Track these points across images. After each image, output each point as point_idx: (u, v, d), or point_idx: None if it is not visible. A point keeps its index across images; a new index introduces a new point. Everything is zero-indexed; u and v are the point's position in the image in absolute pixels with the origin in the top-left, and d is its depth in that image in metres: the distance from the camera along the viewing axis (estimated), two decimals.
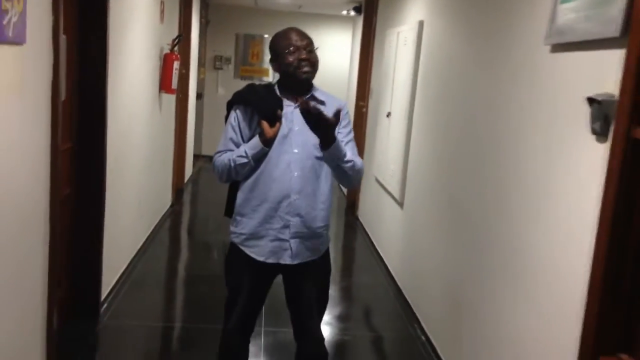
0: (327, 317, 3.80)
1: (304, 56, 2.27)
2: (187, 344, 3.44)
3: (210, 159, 9.71)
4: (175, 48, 5.40)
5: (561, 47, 2.19)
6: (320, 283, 2.46)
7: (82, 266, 3.46)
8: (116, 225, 3.84)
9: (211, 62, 9.65)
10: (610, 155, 1.79)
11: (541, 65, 2.34)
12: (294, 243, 2.33)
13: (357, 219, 6.44)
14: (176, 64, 5.24)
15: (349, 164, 2.29)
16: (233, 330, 2.44)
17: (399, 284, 4.38)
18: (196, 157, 8.68)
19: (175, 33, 5.78)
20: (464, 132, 3.25)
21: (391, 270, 4.65)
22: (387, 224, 5.00)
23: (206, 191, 7.74)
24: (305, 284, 2.41)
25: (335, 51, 9.41)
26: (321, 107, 2.19)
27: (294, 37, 2.31)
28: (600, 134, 1.88)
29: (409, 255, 4.22)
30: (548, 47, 2.28)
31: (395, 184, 4.60)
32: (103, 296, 3.63)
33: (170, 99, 5.82)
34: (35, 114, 2.46)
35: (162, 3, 5.04)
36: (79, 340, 3.22)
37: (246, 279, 2.39)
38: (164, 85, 5.14)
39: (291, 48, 2.28)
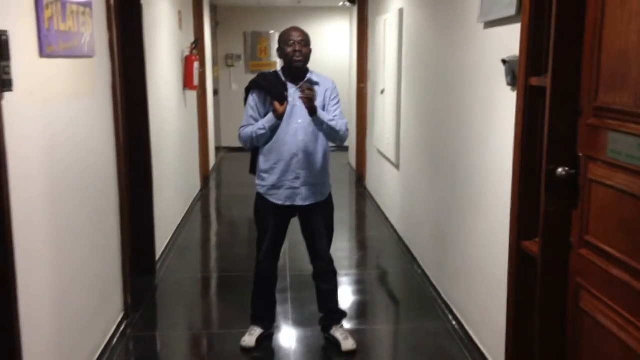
0: (346, 263, 4.68)
1: (297, 49, 3.04)
2: (222, 288, 4.40)
3: (229, 150, 10.49)
4: (194, 50, 6.20)
5: (488, 24, 2.95)
6: (326, 218, 3.26)
7: (140, 234, 4.27)
8: (161, 202, 4.67)
9: (223, 61, 10.45)
10: (517, 98, 2.55)
11: (479, 38, 3.11)
12: (303, 189, 3.14)
13: (365, 188, 7.23)
14: (196, 64, 6.05)
15: (332, 122, 3.07)
16: (264, 259, 3.26)
17: (400, 233, 5.17)
18: (217, 148, 9.50)
19: (192, 36, 6.59)
20: (434, 99, 4.02)
21: (394, 224, 5.44)
22: (388, 186, 5.79)
23: (228, 179, 8.59)
24: (315, 220, 3.22)
25: (335, 39, 10.18)
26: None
27: (293, 34, 3.08)
28: (512, 85, 2.64)
29: (406, 207, 5.01)
30: (482, 25, 3.04)
31: (392, 149, 5.37)
32: (157, 257, 4.48)
33: (192, 96, 6.64)
34: (103, 109, 3.27)
35: (179, 12, 5.85)
36: (144, 289, 4.07)
37: (270, 219, 3.20)
38: (187, 83, 5.95)
39: (290, 42, 3.06)
